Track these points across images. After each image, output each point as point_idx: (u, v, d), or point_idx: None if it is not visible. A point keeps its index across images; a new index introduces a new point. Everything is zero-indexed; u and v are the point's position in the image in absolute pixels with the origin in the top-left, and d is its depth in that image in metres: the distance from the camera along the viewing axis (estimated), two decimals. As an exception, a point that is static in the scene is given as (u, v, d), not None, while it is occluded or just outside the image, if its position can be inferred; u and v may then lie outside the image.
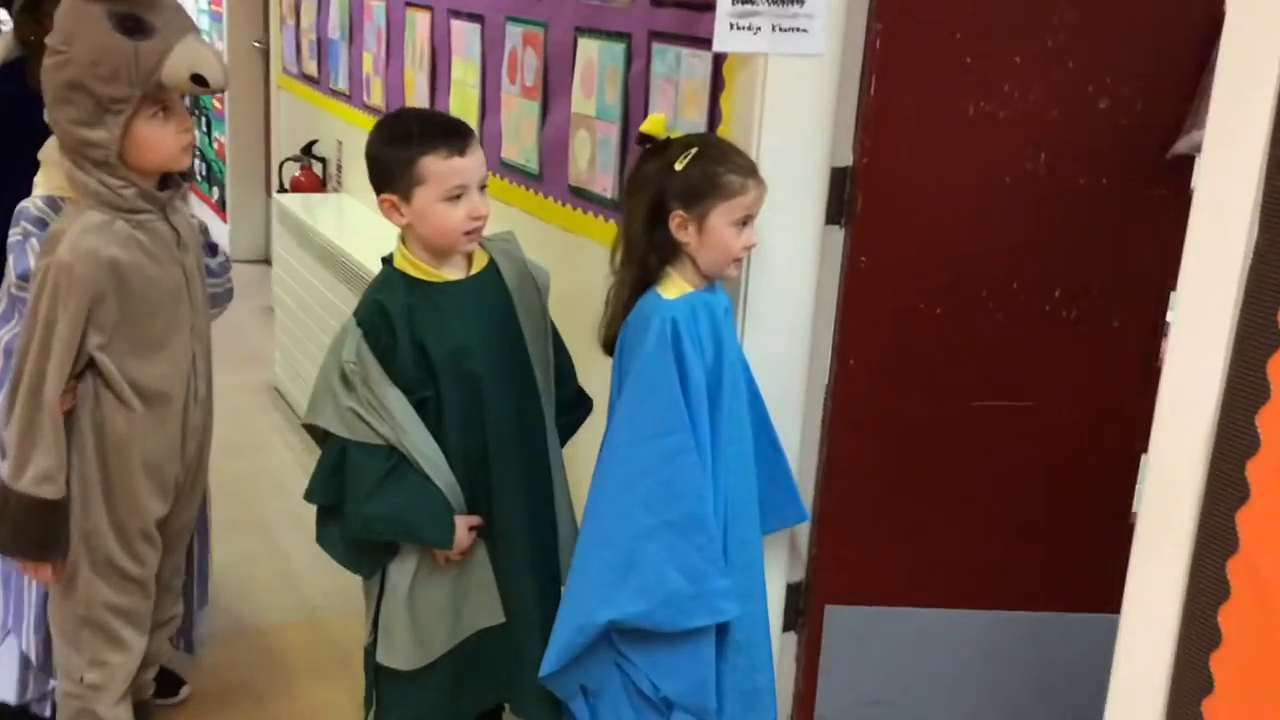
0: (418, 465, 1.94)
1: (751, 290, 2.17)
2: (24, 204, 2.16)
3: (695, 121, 2.26)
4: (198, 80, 1.89)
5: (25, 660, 2.24)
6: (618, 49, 2.47)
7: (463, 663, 2.07)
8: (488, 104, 3.09)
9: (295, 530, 3.38)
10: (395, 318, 1.92)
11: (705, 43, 2.20)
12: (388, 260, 2.02)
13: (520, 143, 2.92)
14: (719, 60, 2.18)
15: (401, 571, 2.01)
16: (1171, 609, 1.22)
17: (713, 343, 1.94)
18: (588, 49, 2.59)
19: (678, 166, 1.88)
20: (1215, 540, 1.15)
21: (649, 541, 1.88)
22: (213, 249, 2.27)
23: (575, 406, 2.19)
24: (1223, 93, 1.18)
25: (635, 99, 2.44)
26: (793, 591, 2.39)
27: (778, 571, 2.37)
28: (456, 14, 3.22)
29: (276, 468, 3.76)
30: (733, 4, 2.01)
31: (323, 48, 4.37)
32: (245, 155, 5.78)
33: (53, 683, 2.23)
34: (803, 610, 2.40)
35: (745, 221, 1.93)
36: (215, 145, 6.03)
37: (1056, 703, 2.47)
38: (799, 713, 2.43)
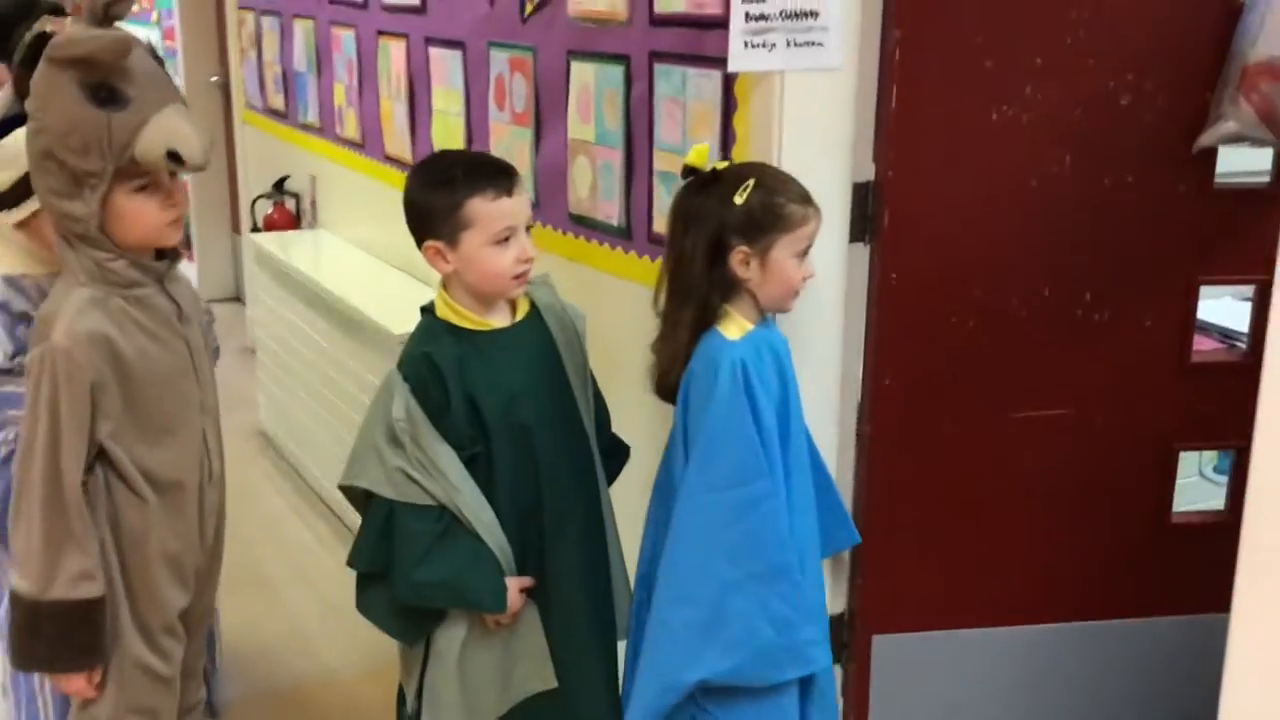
0: (469, 526, 1.85)
1: (778, 314, 2.09)
2: None
3: (707, 144, 2.16)
4: (173, 157, 1.75)
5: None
6: (615, 71, 2.38)
7: None
8: (474, 132, 2.99)
9: (300, 585, 3.26)
10: (446, 371, 1.82)
11: (713, 61, 2.12)
12: (428, 310, 1.92)
13: (513, 171, 2.82)
14: (729, 79, 2.10)
15: (449, 638, 1.90)
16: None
17: (778, 381, 1.86)
18: (582, 72, 2.50)
19: (738, 200, 1.78)
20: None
21: (735, 595, 1.79)
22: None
23: (613, 455, 2.10)
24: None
25: (638, 122, 2.35)
26: (835, 624, 2.31)
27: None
28: (434, 41, 3.12)
29: (272, 518, 3.64)
30: (746, 21, 1.92)
31: (289, 80, 4.25)
32: (209, 193, 5.63)
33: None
34: (847, 642, 2.32)
35: (805, 252, 1.85)
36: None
37: (1116, 711, 2.41)
38: (852, 748, 2.35)
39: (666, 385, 1.89)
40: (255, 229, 4.45)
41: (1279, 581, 1.18)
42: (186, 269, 5.71)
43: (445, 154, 1.98)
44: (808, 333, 2.13)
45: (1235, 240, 2.26)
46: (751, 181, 1.79)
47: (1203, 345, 2.44)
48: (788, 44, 1.95)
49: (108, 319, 1.80)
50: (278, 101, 4.40)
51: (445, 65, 3.08)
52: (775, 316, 1.97)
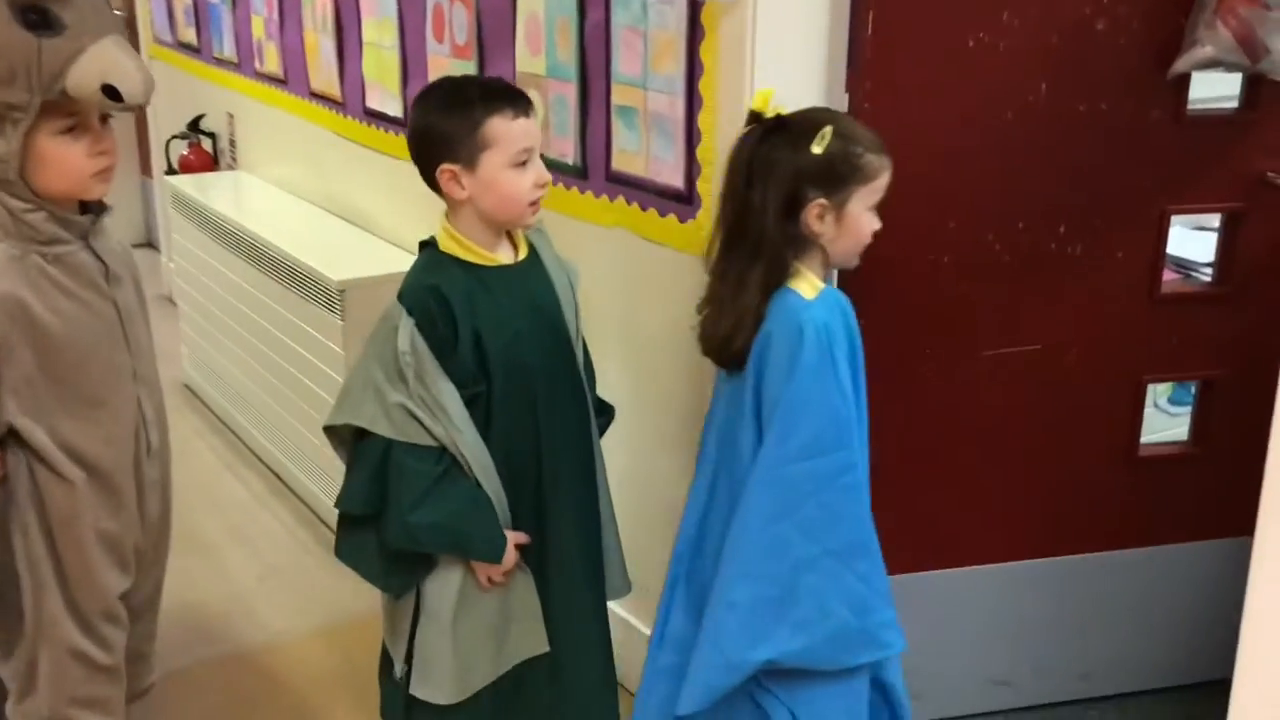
0: (468, 470, 1.75)
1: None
2: None
3: (671, 75, 2.05)
4: (109, 93, 1.57)
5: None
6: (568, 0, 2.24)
7: (501, 696, 1.88)
8: (410, 67, 2.82)
9: (238, 545, 3.12)
10: (455, 303, 1.72)
11: (676, -13, 2.00)
12: (428, 244, 1.81)
13: (455, 107, 2.67)
14: (695, 6, 1.98)
15: (441, 596, 1.80)
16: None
17: (848, 344, 1.75)
18: (530, 1, 2.35)
19: (815, 149, 1.66)
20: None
21: (809, 572, 1.69)
22: None
23: (600, 413, 2.00)
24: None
25: (594, 54, 2.22)
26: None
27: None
28: (362, -32, 2.94)
29: (204, 476, 3.48)
30: (717, -57, 1.80)
31: (201, 12, 4.01)
32: (115, 132, 5.33)
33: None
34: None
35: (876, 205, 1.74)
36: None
37: (1093, 645, 2.41)
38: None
39: (731, 350, 1.75)
40: (171, 171, 4.22)
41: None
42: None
43: (453, 78, 1.85)
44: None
45: (1205, 169, 2.23)
46: (829, 129, 1.67)
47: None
48: (761, -33, 1.83)
49: (22, 279, 1.62)
50: (189, 35, 4.15)
51: (376, -6, 2.90)
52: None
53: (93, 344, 1.70)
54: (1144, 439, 2.36)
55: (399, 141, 2.97)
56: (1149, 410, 2.39)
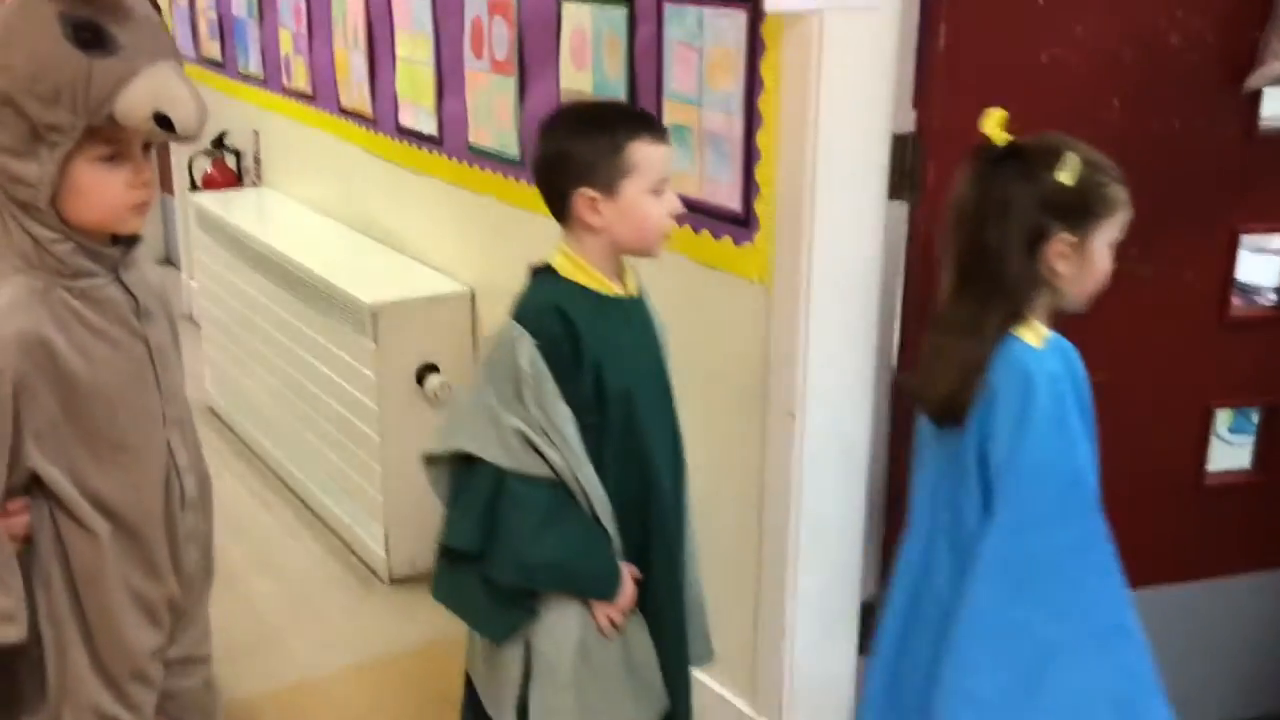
0: (585, 503, 1.65)
1: (815, 278, 1.92)
2: None
3: (729, 92, 1.97)
4: (161, 121, 1.44)
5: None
6: (617, 13, 2.16)
7: None
8: (446, 83, 2.75)
9: (265, 576, 3.04)
10: (580, 327, 1.63)
11: (734, 1, 1.92)
12: (544, 270, 1.71)
13: (494, 125, 2.60)
14: (755, 20, 1.90)
15: (559, 647, 1.68)
16: None
17: (1078, 395, 1.60)
18: (576, 15, 2.27)
19: (1064, 179, 1.52)
20: None
21: (1060, 661, 1.52)
22: None
23: None
24: None
25: (644, 69, 2.14)
26: (866, 612, 2.17)
27: (850, 590, 2.15)
28: (396, -18, 2.87)
29: (229, 504, 3.37)
30: (783, -45, 1.73)
31: (226, 27, 3.94)
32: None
33: None
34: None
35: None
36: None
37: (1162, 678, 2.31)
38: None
39: (955, 405, 1.57)
40: (194, 188, 4.15)
41: None
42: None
43: (584, 102, 1.79)
44: (838, 300, 1.96)
45: (1276, 187, 2.14)
46: (1074, 157, 1.53)
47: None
48: (827, -20, 1.75)
49: (47, 316, 1.49)
50: (213, 50, 4.08)
51: (410, 8, 2.82)
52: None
53: (121, 386, 1.57)
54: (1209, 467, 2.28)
55: (433, 159, 2.89)
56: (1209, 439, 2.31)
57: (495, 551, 1.63)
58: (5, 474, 1.49)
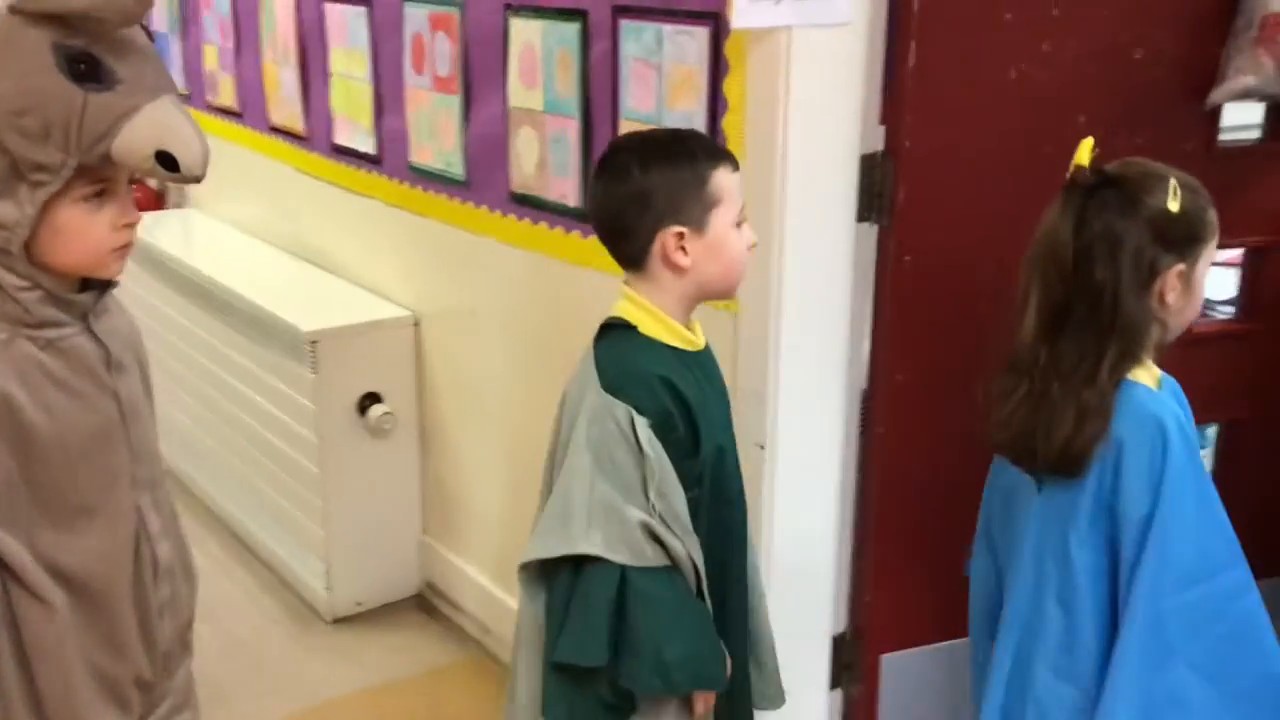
0: (703, 587, 1.54)
1: (784, 304, 1.85)
2: None
3: (690, 112, 1.89)
4: (165, 161, 1.31)
5: None
6: (569, 29, 2.08)
7: None
8: (385, 100, 2.64)
9: (197, 618, 2.87)
10: (692, 400, 1.50)
11: (696, 16, 1.85)
12: (618, 324, 1.55)
13: (437, 144, 2.49)
14: (718, 37, 1.82)
15: None
16: None
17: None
18: (525, 31, 2.18)
19: (1173, 207, 1.45)
20: None
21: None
22: None
23: None
24: None
25: (599, 88, 2.06)
26: (837, 645, 2.10)
27: (822, 624, 2.08)
28: (329, -4, 2.75)
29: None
30: (749, -30, 1.65)
31: (145, 42, 3.77)
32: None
33: None
34: (850, 664, 2.11)
35: None
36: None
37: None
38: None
39: (1076, 456, 1.47)
40: (112, 210, 3.97)
41: None
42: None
43: (648, 134, 1.61)
44: (808, 325, 1.89)
45: (1233, 202, 2.12)
46: (1175, 183, 1.46)
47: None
48: (795, -5, 1.68)
49: (9, 369, 1.37)
50: (131, 66, 3.92)
51: (345, 22, 2.71)
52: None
53: (85, 444, 1.43)
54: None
55: (371, 179, 2.78)
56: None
57: (630, 660, 1.49)
58: None
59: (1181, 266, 1.48)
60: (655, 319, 1.53)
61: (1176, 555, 1.44)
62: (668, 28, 1.90)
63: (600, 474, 1.47)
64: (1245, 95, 2.01)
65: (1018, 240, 1.96)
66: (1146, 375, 1.51)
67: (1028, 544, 1.57)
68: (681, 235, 1.49)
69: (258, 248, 3.33)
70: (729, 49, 1.81)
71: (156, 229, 3.56)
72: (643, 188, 1.49)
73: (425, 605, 2.92)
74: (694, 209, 1.49)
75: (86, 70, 1.29)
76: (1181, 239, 1.48)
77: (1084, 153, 1.49)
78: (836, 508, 2.02)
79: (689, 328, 1.57)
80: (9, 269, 1.36)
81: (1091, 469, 1.47)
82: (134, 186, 1.45)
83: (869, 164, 1.85)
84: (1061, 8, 1.87)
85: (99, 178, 1.35)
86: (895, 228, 1.86)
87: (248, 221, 3.44)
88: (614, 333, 1.55)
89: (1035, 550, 1.56)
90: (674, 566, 1.51)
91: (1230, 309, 2.43)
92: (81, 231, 1.36)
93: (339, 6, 2.71)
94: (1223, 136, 2.15)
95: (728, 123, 1.84)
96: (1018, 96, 1.88)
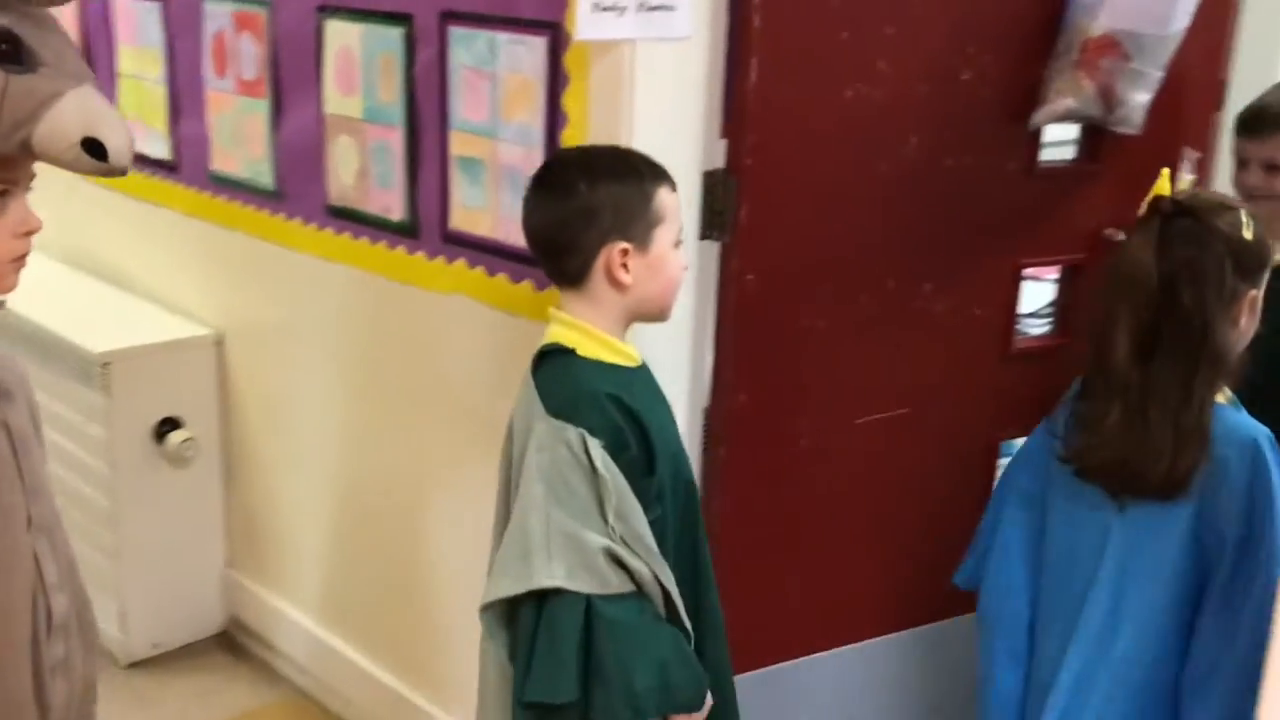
0: (676, 607, 1.51)
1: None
2: None
3: (527, 124, 1.81)
4: (92, 149, 1.19)
5: None
6: (392, 34, 1.96)
7: None
8: (183, 103, 2.45)
9: None
10: (645, 419, 1.48)
11: (532, 26, 1.77)
12: (556, 350, 1.51)
13: (243, 151, 2.33)
14: (556, 48, 1.75)
15: None
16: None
17: None
18: (342, 33, 2.05)
19: (1247, 235, 1.50)
20: None
21: None
22: None
23: None
24: None
25: (426, 96, 1.95)
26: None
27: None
28: (118, -11, 2.54)
29: None
30: (594, -21, 1.59)
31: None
32: None
33: None
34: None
35: None
36: None
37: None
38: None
39: (1179, 478, 1.53)
40: None
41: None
42: None
43: (591, 149, 1.62)
44: (649, 345, 1.83)
45: (1051, 221, 2.20)
46: (1244, 212, 1.51)
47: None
48: (639, 7, 1.63)
49: None
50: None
51: (135, 19, 2.50)
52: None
53: None
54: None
55: (167, 187, 2.58)
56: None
57: (601, 692, 1.44)
58: None
59: (1255, 293, 1.56)
60: (594, 339, 1.51)
61: None
62: (502, 36, 1.81)
63: (555, 502, 1.43)
64: (1066, 117, 2.08)
65: (857, 258, 1.98)
66: (1221, 395, 1.58)
67: (1105, 563, 1.60)
68: (626, 252, 1.48)
69: (39, 262, 3.02)
70: (569, 61, 1.74)
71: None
72: (590, 204, 1.48)
73: (231, 644, 2.73)
74: (639, 226, 1.49)
75: (9, 51, 1.16)
76: (1254, 266, 1.55)
77: (1164, 183, 1.55)
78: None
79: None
80: None
81: (1194, 491, 1.54)
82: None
83: (711, 181, 1.82)
84: (896, 25, 1.88)
85: (4, 175, 1.20)
86: (737, 245, 1.83)
87: (22, 231, 3.15)
88: (552, 359, 1.52)
89: (1116, 570, 1.59)
90: (640, 591, 1.47)
91: (1038, 321, 2.52)
92: None
93: (127, 1, 2.50)
94: (1049, 159, 2.22)
95: (567, 136, 1.77)
96: (854, 115, 1.88)
